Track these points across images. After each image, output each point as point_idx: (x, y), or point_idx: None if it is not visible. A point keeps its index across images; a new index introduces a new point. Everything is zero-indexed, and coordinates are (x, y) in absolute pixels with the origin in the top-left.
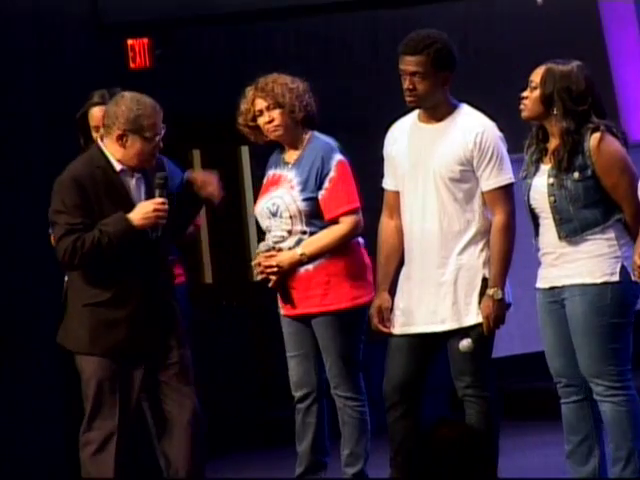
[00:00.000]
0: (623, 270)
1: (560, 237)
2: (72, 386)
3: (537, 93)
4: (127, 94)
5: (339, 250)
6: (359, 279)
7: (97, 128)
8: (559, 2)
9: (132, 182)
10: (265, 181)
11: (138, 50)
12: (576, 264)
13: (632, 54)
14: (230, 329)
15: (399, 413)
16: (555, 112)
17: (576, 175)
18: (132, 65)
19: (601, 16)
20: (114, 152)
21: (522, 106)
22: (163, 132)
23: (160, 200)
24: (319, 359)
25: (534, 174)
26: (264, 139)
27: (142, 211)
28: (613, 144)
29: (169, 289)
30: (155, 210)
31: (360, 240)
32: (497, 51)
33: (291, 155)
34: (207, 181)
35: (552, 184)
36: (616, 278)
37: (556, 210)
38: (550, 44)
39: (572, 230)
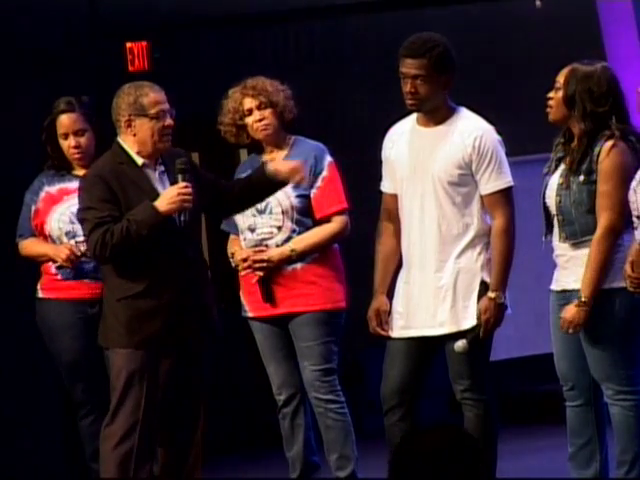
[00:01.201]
0: None
1: (560, 238)
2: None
3: (561, 94)
4: (124, 85)
5: (326, 252)
6: (340, 283)
7: (65, 135)
8: (558, 3)
9: (155, 175)
10: None
11: (137, 53)
12: (583, 269)
13: (631, 54)
14: (228, 332)
15: (397, 416)
16: (575, 113)
17: (582, 178)
18: (131, 68)
19: (600, 16)
20: (131, 145)
21: (548, 109)
22: (173, 113)
23: (183, 184)
24: (296, 361)
25: (553, 172)
26: (245, 141)
27: (167, 197)
28: (623, 154)
29: (204, 276)
30: (179, 194)
31: (336, 245)
32: (497, 54)
33: (273, 157)
34: (294, 170)
35: (561, 184)
36: (622, 284)
37: (560, 210)
38: (549, 45)
39: (572, 233)
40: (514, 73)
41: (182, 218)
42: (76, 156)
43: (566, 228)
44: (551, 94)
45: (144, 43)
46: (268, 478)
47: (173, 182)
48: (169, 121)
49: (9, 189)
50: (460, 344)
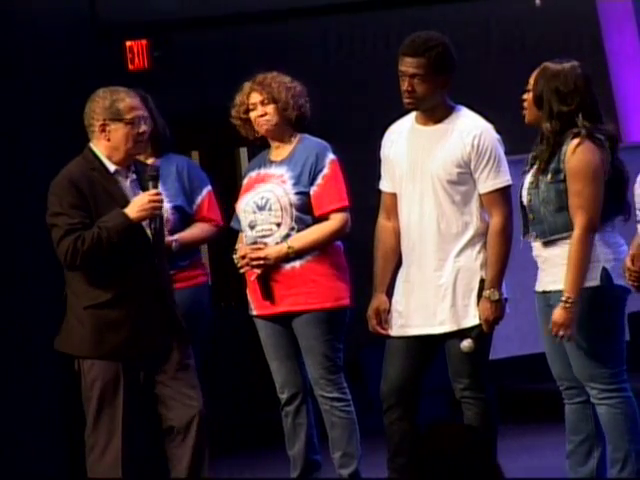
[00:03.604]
0: (604, 273)
1: (533, 237)
2: (71, 391)
3: (531, 95)
4: (99, 90)
5: (326, 250)
6: (342, 280)
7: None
8: (558, 3)
9: (126, 183)
10: (247, 181)
11: (137, 52)
12: (558, 269)
13: (631, 54)
14: (229, 331)
15: (396, 415)
16: (542, 113)
17: (548, 177)
18: (130, 67)
19: (600, 16)
20: (103, 150)
21: (523, 110)
22: (148, 120)
23: (154, 191)
24: (300, 360)
25: (528, 171)
26: (254, 134)
27: (138, 204)
28: (590, 152)
29: (170, 287)
30: (150, 201)
31: (339, 243)
32: (496, 52)
33: (278, 153)
34: None
35: (532, 182)
36: (596, 282)
37: (531, 209)
38: (549, 45)
39: (541, 232)
40: (514, 72)
41: (153, 225)
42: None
43: (537, 227)
44: (525, 95)
45: (144, 41)
46: (269, 477)
47: (144, 190)
48: (144, 127)
49: (10, 189)
50: (466, 343)
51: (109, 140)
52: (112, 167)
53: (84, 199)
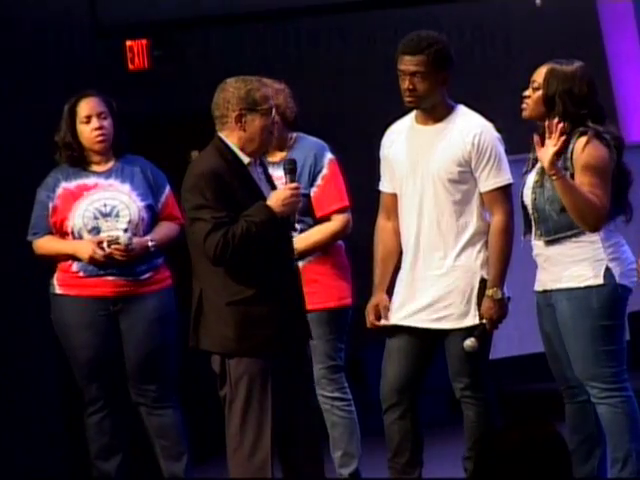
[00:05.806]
0: (608, 272)
1: (536, 235)
2: (70, 388)
3: (539, 93)
4: (228, 80)
5: (328, 250)
6: (344, 280)
7: (88, 119)
8: (558, 3)
9: (257, 175)
10: None
11: (137, 51)
12: (560, 268)
13: (631, 54)
14: None
15: (397, 415)
16: (555, 113)
17: None
18: (131, 66)
19: (600, 16)
20: (237, 141)
21: (524, 105)
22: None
23: (294, 185)
24: None
25: (530, 171)
26: None
27: (280, 197)
28: (598, 149)
29: (301, 278)
30: (292, 195)
31: (341, 242)
32: (496, 52)
33: (275, 155)
34: None
35: (536, 181)
36: (600, 281)
37: (535, 208)
38: (549, 44)
39: (546, 230)
40: (513, 72)
41: (292, 220)
42: (99, 139)
43: (540, 225)
44: (528, 92)
45: (144, 41)
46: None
47: (269, 182)
48: (277, 117)
49: (11, 187)
50: (469, 343)
51: (245, 131)
52: (246, 159)
53: (226, 191)
